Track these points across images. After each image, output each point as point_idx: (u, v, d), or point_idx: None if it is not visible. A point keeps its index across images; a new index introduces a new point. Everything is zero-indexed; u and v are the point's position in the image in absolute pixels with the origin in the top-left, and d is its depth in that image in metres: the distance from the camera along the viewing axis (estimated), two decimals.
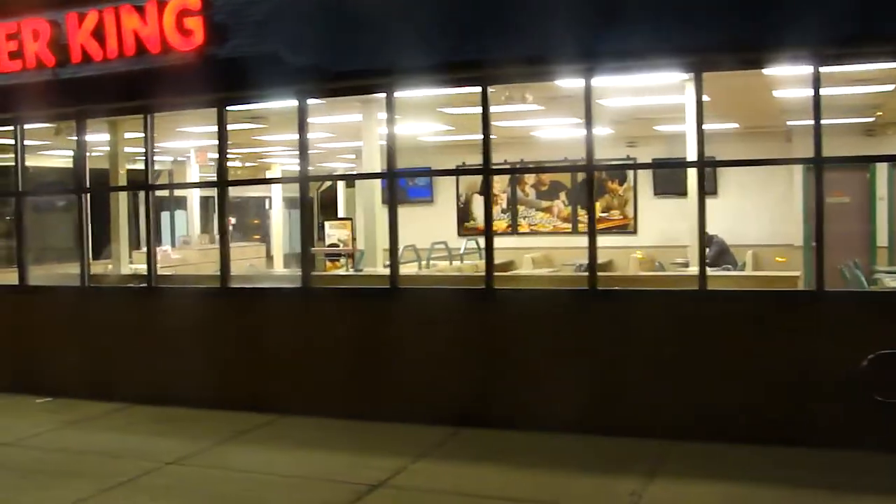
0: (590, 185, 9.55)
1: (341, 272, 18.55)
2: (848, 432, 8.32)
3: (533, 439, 9.02)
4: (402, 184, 10.12)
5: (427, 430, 9.43)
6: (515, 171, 20.46)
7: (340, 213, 26.78)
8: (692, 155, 10.88)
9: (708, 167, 9.21)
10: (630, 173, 19.91)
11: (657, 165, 18.29)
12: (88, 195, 12.12)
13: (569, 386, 9.28)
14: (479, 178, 20.76)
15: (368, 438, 9.39)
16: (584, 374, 9.27)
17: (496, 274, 10.04)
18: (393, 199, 10.29)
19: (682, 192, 12.81)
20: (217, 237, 22.89)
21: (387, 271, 11.74)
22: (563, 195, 20.64)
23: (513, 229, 20.56)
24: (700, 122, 9.03)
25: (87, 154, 12.13)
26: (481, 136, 9.88)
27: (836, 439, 8.32)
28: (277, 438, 9.60)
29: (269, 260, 25.27)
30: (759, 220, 18.21)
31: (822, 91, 8.61)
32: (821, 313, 8.65)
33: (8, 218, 19.38)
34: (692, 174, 11.24)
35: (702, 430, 8.79)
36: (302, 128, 10.58)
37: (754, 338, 8.78)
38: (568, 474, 8.13)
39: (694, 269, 11.07)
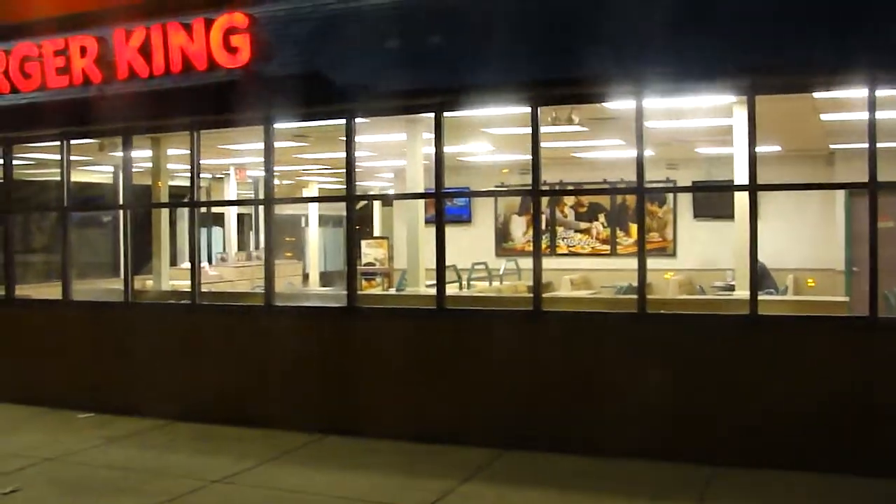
0: (640, 208, 9.47)
1: (377, 291, 18.56)
2: None
3: (580, 463, 8.94)
4: None
5: (475, 451, 9.37)
6: (564, 193, 20.35)
7: (376, 232, 26.82)
8: (738, 178, 10.81)
9: (760, 191, 9.06)
10: (669, 195, 19.79)
11: (708, 188, 18.13)
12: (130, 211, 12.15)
13: (617, 409, 9.20)
14: (517, 199, 20.99)
15: (415, 459, 9.33)
16: (632, 398, 9.16)
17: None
18: (440, 220, 10.22)
19: (723, 215, 12.71)
20: (255, 254, 23.15)
21: (429, 291, 11.69)
22: (601, 217, 20.55)
23: (551, 250, 20.42)
24: (753, 145, 8.94)
25: (131, 170, 12.16)
26: (529, 157, 9.78)
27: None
28: (323, 458, 9.53)
29: (305, 278, 25.26)
30: (799, 244, 18.01)
31: (863, 115, 8.54)
32: (875, 340, 8.53)
33: (37, 230, 19.57)
34: (739, 197, 11.13)
35: (753, 456, 8.68)
36: (349, 147, 10.54)
37: (807, 364, 8.66)
38: (615, 500, 8.04)
39: (741, 293, 10.96)
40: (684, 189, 18.27)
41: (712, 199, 18.39)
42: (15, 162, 13.07)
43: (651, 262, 9.69)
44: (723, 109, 11.46)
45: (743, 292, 10.60)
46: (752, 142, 8.95)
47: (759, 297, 9.11)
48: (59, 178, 12.49)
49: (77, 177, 15.41)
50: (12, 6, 11.99)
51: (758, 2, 8.82)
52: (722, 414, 8.89)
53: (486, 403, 9.78)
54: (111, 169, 20.40)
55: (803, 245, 18.02)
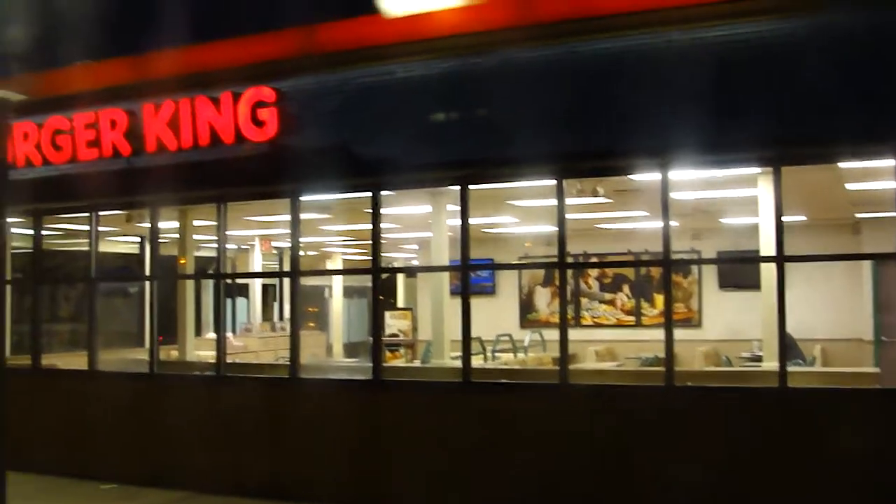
0: (667, 280, 9.45)
1: (401, 363, 18.47)
2: None
3: None
4: None
5: None
6: (590, 266, 20.33)
7: (400, 303, 26.76)
8: (764, 248, 10.78)
9: (787, 262, 9.02)
10: (694, 266, 19.73)
11: (735, 260, 18.00)
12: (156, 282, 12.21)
13: (649, 485, 9.10)
14: (541, 270, 21.00)
15: None
16: (664, 472, 9.08)
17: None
18: (465, 293, 10.20)
19: (749, 285, 12.63)
20: (279, 325, 23.17)
21: (454, 363, 11.64)
22: (626, 288, 20.51)
23: (576, 322, 20.35)
24: (780, 216, 8.92)
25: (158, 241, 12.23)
26: (553, 228, 9.79)
27: None
28: None
29: (329, 349, 25.21)
30: (825, 314, 17.89)
31: (889, 184, 8.53)
32: None
33: (64, 300, 19.65)
34: (765, 267, 11.09)
35: None
36: (375, 220, 10.57)
37: (838, 437, 8.55)
38: None
39: (769, 365, 10.87)
40: (711, 261, 18.24)
41: (738, 268, 18.33)
42: (43, 232, 13.18)
43: (676, 333, 9.61)
44: (748, 179, 11.46)
45: (771, 363, 10.52)
46: (779, 213, 8.93)
47: (792, 370, 9.02)
48: (86, 249, 12.58)
49: (104, 247, 15.54)
50: (45, 82, 12.13)
51: (781, 74, 8.86)
52: (752, 486, 8.76)
53: (519, 476, 9.63)
54: (138, 240, 20.52)
55: (830, 314, 17.91)
